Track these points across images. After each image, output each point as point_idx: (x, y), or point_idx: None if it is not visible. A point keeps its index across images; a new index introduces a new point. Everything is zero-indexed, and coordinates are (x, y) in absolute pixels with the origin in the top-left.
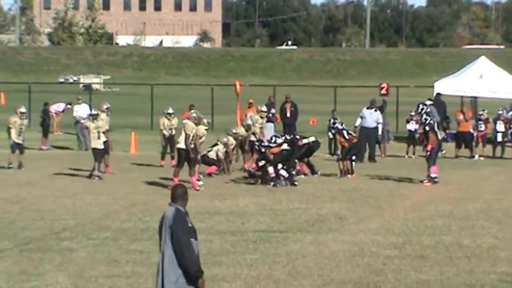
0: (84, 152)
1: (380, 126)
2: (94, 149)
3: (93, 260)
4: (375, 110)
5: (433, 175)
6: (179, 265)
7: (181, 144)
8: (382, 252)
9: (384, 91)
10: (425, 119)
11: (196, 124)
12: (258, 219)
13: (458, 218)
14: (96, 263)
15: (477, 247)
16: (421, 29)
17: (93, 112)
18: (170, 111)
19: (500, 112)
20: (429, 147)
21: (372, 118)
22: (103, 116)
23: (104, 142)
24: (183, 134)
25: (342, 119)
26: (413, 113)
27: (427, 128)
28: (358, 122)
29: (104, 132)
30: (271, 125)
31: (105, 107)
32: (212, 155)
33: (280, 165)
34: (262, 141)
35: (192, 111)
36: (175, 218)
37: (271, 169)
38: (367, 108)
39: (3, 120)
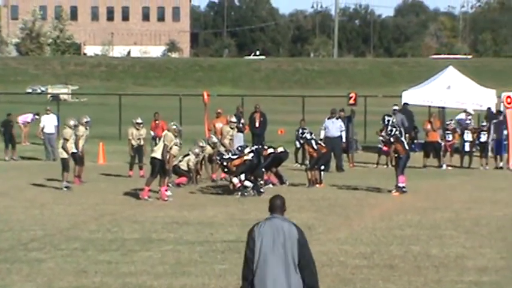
0: (52, 163)
1: (343, 134)
2: (65, 159)
3: (61, 270)
4: (337, 119)
5: (401, 185)
6: (304, 283)
7: (157, 154)
8: (350, 261)
9: (352, 101)
10: (391, 130)
11: (175, 136)
12: (226, 230)
13: (426, 227)
14: (65, 274)
15: (445, 257)
16: (389, 38)
17: (74, 123)
18: (139, 121)
19: (468, 122)
20: (385, 148)
21: (335, 127)
22: (81, 128)
23: (74, 153)
24: (161, 144)
25: (310, 128)
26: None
27: (391, 139)
28: (322, 134)
29: (74, 143)
30: (241, 135)
31: (84, 120)
32: (183, 165)
33: (243, 176)
34: (223, 155)
35: (172, 123)
36: (301, 234)
37: (235, 180)
38: (328, 118)
39: None
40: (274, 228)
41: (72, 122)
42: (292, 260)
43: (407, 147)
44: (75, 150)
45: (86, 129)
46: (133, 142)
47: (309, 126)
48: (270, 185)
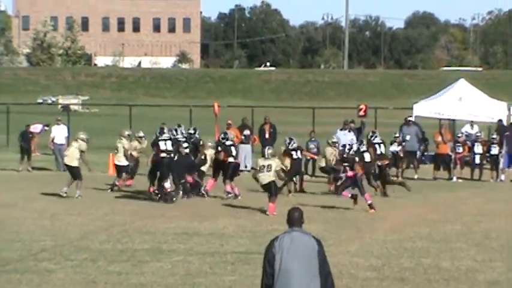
0: (63, 173)
1: (355, 147)
2: (78, 168)
3: (71, 281)
4: (349, 131)
5: (370, 201)
6: None
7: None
8: (361, 274)
9: (362, 112)
10: (349, 149)
11: None
12: (237, 241)
13: (437, 240)
14: (75, 284)
15: (456, 270)
16: (399, 50)
17: (86, 137)
18: (141, 134)
19: (479, 134)
20: (349, 174)
21: (346, 139)
22: (125, 141)
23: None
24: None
25: (320, 140)
26: (397, 135)
27: (356, 158)
28: None
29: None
30: (246, 147)
31: (126, 133)
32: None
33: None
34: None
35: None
36: (320, 246)
37: (167, 184)
38: (341, 129)
39: None
40: (294, 242)
41: (84, 136)
42: (312, 272)
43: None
44: (126, 163)
45: (140, 142)
46: (135, 153)
47: (319, 138)
48: (230, 195)
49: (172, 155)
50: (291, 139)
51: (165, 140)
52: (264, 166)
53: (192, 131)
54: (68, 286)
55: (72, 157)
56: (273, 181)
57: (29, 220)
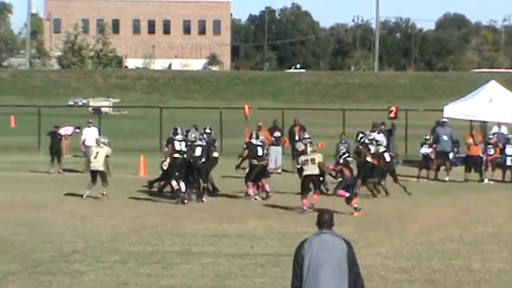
0: None
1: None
2: (103, 171)
3: (102, 283)
4: (378, 133)
5: (356, 205)
6: None
7: None
8: (391, 276)
9: (392, 114)
10: (343, 154)
11: None
12: (266, 243)
13: (468, 242)
14: (105, 286)
15: (487, 272)
16: (430, 52)
17: (108, 141)
18: None
19: (510, 136)
20: (330, 167)
21: None
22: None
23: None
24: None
25: (351, 142)
26: (427, 137)
27: (341, 161)
28: None
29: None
30: (276, 148)
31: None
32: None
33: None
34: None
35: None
36: (350, 248)
37: (173, 182)
38: (370, 131)
39: (16, 142)
40: (323, 244)
41: (105, 140)
42: (341, 274)
43: (355, 173)
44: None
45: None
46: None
47: (349, 140)
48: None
49: (185, 156)
50: (310, 143)
51: (180, 140)
52: (307, 160)
53: (209, 131)
54: None
55: (101, 162)
56: (317, 176)
57: (59, 222)
